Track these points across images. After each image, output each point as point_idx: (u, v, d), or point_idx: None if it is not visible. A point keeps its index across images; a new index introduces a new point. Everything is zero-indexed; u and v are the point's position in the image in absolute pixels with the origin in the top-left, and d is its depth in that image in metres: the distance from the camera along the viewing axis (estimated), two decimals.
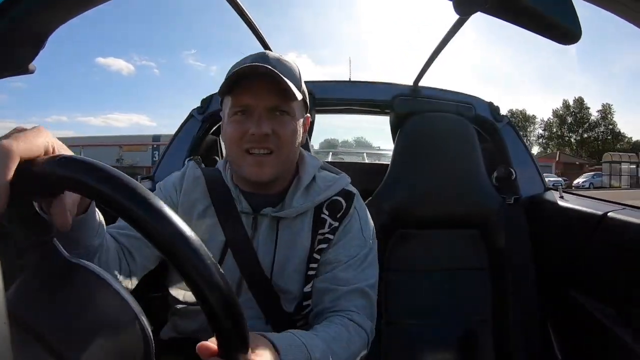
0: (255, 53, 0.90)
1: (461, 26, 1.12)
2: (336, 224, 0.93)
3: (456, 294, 1.41)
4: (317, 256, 0.92)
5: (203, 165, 1.53)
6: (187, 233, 0.39)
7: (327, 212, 0.93)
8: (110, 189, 0.38)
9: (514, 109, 57.99)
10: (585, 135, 52.10)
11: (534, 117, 56.95)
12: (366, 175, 1.73)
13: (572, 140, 52.78)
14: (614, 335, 1.03)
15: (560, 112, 54.14)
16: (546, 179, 1.61)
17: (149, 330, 0.45)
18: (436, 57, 1.41)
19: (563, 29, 0.45)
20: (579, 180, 33.98)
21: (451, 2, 0.52)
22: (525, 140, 1.70)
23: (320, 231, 0.92)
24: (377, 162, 4.76)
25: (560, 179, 32.21)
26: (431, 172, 1.46)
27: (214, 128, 1.73)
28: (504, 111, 1.66)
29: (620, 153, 40.44)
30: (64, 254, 0.45)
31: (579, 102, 52.64)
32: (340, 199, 0.95)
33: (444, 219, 1.47)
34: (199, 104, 1.67)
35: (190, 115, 1.68)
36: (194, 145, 1.63)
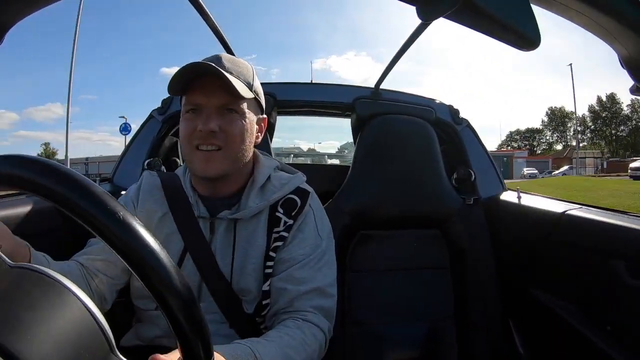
0: (212, 55, 0.92)
1: (423, 31, 1.14)
2: (291, 221, 0.94)
3: (419, 293, 1.44)
4: (273, 254, 0.92)
5: (163, 168, 1.49)
6: (149, 241, 0.39)
7: (281, 211, 0.94)
8: (53, 184, 0.38)
9: (553, 107, 60.28)
10: (619, 129, 54.24)
11: (572, 113, 58.05)
12: (327, 177, 1.74)
13: (608, 133, 54.51)
14: (573, 329, 1.08)
15: (596, 107, 55.84)
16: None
17: (106, 327, 0.43)
18: (397, 61, 1.42)
19: (523, 36, 0.46)
20: (556, 171, 39.57)
21: (414, 8, 0.52)
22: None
23: (276, 229, 0.93)
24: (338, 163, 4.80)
25: (536, 171, 38.43)
26: (392, 173, 1.48)
27: (175, 129, 1.68)
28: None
29: (586, 150, 46.92)
30: (6, 261, 0.43)
31: (611, 97, 54.32)
32: (295, 197, 0.96)
33: (405, 220, 1.49)
34: None
35: (151, 116, 1.62)
36: (154, 146, 1.58)
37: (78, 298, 0.42)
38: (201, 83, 0.85)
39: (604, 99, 54.53)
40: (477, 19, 0.48)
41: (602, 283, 1.03)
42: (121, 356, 0.44)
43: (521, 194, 1.47)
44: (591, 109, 55.66)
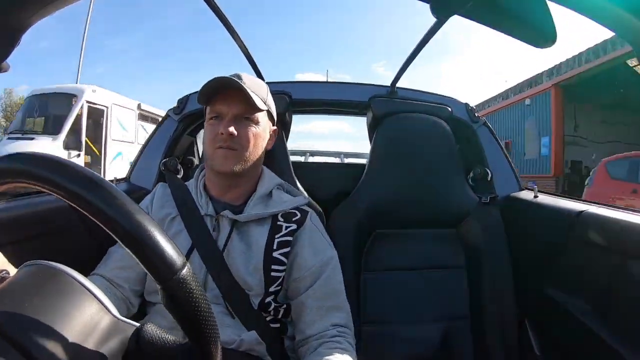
0: (233, 73, 1.08)
1: (438, 29, 1.13)
2: (293, 226, 1.06)
3: (434, 292, 1.43)
4: (282, 258, 1.02)
5: (179, 167, 1.52)
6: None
7: (282, 220, 1.06)
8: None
9: None
10: None
11: None
12: (343, 176, 1.74)
13: None
14: (590, 330, 1.06)
15: None
16: None
17: (99, 293, 0.47)
18: (413, 59, 1.41)
19: (539, 33, 0.46)
20: None
21: (428, 5, 0.52)
22: None
23: (278, 235, 1.04)
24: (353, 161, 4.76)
25: None
26: (408, 172, 1.47)
27: (191, 128, 1.70)
28: None
29: None
30: None
31: None
32: (295, 211, 1.09)
33: (421, 219, 1.48)
34: None
35: (167, 116, 1.64)
36: (170, 146, 1.59)
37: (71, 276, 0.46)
38: (224, 95, 1.02)
39: None
40: (491, 16, 0.47)
41: (621, 284, 1.00)
42: (118, 314, 0.47)
43: (538, 194, 1.45)
44: None
